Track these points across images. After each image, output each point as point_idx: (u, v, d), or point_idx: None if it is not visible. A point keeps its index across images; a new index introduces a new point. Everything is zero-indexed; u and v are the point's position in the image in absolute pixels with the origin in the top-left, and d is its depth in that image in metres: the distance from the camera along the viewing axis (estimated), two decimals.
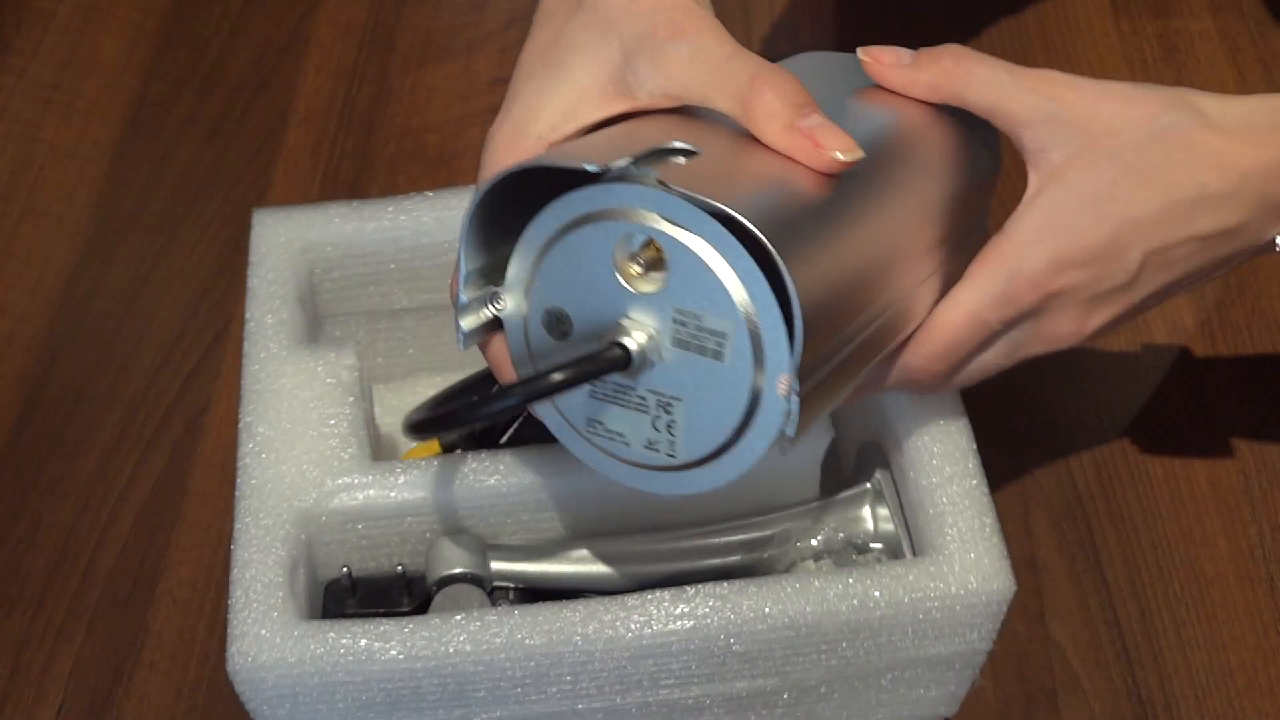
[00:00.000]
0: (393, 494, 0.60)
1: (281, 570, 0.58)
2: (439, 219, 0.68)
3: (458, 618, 0.56)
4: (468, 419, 0.51)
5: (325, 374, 0.63)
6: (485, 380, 0.64)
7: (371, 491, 0.60)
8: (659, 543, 0.62)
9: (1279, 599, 0.68)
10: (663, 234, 0.46)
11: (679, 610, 0.56)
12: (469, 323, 0.52)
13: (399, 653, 0.55)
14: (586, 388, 0.50)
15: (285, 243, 0.67)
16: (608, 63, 0.51)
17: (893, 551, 0.62)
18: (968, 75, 0.54)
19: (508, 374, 0.53)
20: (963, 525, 0.58)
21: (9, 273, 0.81)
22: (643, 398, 0.49)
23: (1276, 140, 0.54)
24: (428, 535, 0.62)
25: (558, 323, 0.50)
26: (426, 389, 0.73)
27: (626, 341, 0.48)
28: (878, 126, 0.54)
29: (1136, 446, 0.74)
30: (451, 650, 0.55)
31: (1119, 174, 0.52)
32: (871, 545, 0.62)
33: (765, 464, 0.49)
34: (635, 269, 0.48)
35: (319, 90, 0.90)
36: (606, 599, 0.56)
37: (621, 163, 0.46)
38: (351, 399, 0.62)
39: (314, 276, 0.69)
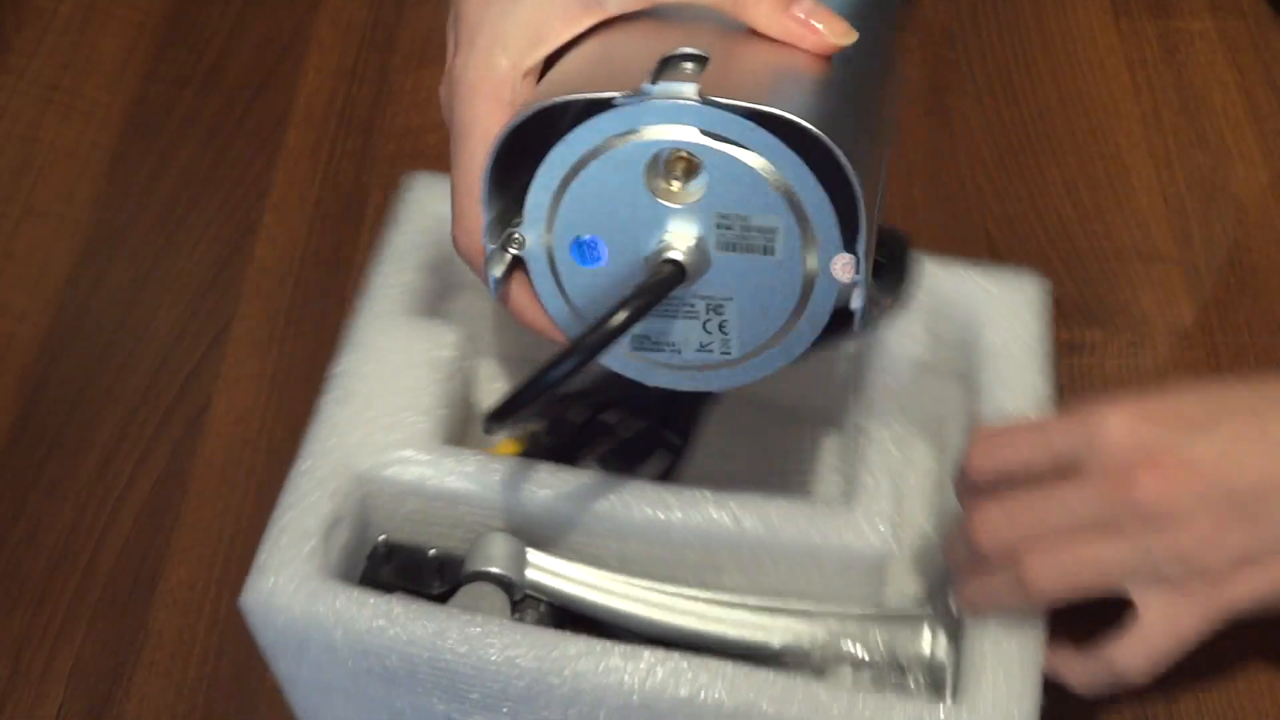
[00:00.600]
0: (447, 479, 0.60)
1: (320, 523, 0.58)
2: None
3: (463, 617, 0.56)
4: (541, 387, 0.49)
5: (427, 346, 0.63)
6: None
7: (427, 471, 0.60)
8: (700, 601, 0.61)
9: None
10: (702, 146, 0.46)
11: (680, 677, 0.54)
12: (498, 270, 0.51)
13: (397, 635, 0.55)
14: None
15: (432, 210, 0.67)
16: None
17: (936, 686, 0.58)
18: None
19: (533, 315, 0.52)
20: (1001, 675, 0.55)
21: (9, 273, 0.81)
22: (691, 304, 0.50)
23: None
24: (479, 527, 0.61)
25: (588, 248, 0.49)
26: (509, 373, 0.72)
27: (674, 256, 0.48)
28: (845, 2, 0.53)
29: None
30: (446, 647, 0.55)
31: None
32: (914, 671, 0.59)
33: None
34: (671, 183, 0.47)
35: (319, 90, 0.90)
36: (610, 644, 0.55)
37: (651, 83, 0.46)
38: (441, 376, 0.62)
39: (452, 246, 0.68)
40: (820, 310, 0.49)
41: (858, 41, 0.49)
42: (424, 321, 0.64)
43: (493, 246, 0.50)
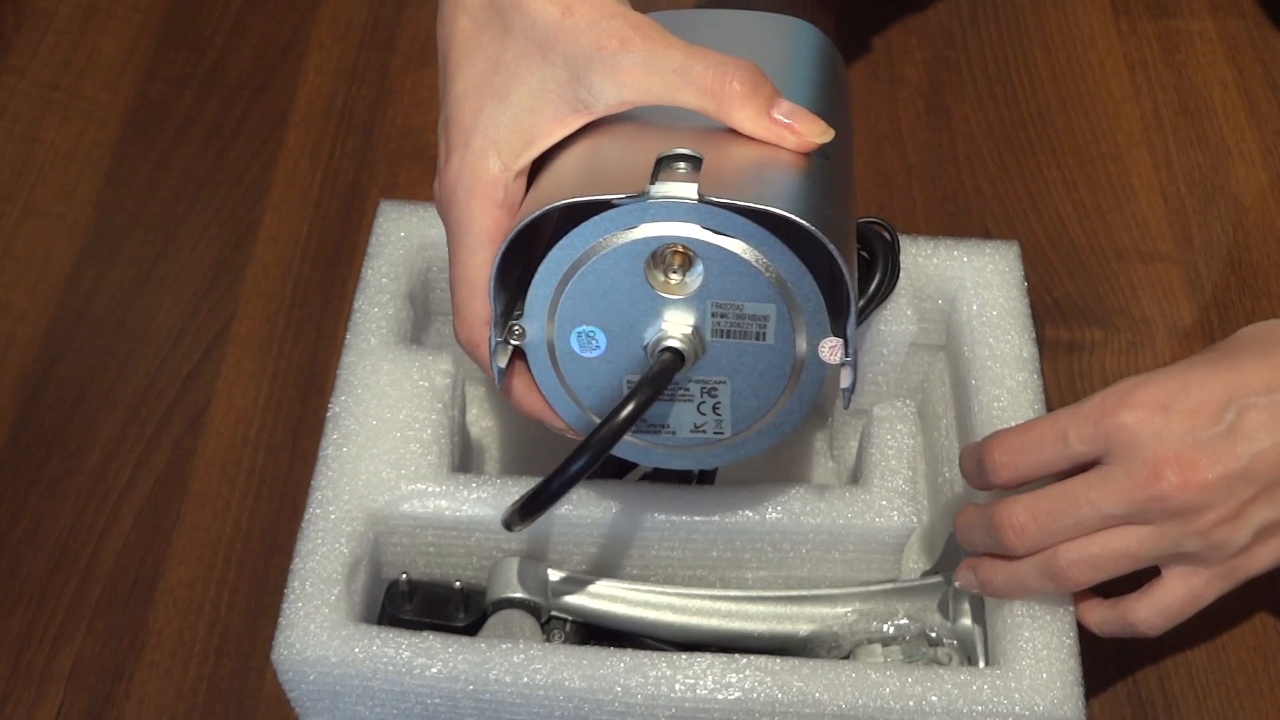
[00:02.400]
0: (464, 507, 0.60)
1: (341, 567, 0.58)
2: None
3: (504, 646, 0.55)
4: (559, 487, 0.51)
5: (419, 376, 0.63)
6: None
7: (443, 502, 0.60)
8: (725, 600, 0.61)
9: (1279, 599, 0.68)
10: (701, 242, 0.49)
11: (728, 679, 0.55)
12: (503, 361, 0.53)
13: (440, 671, 0.55)
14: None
15: (405, 237, 0.67)
16: (556, 82, 0.51)
17: (966, 651, 0.59)
18: None
19: (532, 403, 0.55)
20: (1040, 641, 0.56)
21: (9, 273, 0.81)
22: (686, 388, 0.53)
23: None
24: (495, 553, 0.61)
25: (588, 339, 0.52)
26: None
27: (673, 344, 0.51)
28: (811, 94, 0.56)
29: None
30: (491, 678, 0.55)
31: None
32: (945, 640, 0.60)
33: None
34: (669, 276, 0.50)
35: (319, 90, 0.90)
36: (655, 654, 0.55)
37: (651, 184, 0.49)
38: (441, 405, 0.62)
39: (429, 274, 0.69)
40: (809, 390, 0.52)
41: (835, 135, 0.52)
42: (412, 351, 0.64)
43: (498, 340, 0.53)
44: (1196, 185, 0.85)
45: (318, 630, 0.56)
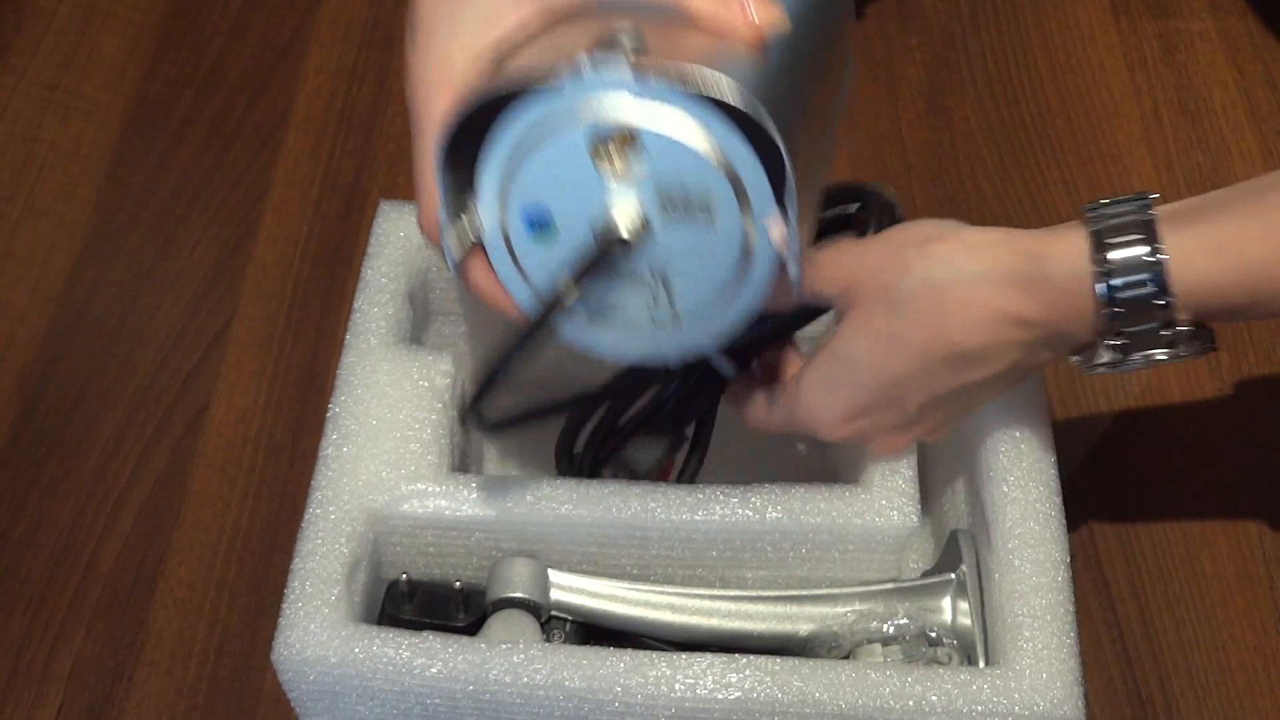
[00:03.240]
0: (464, 508, 0.60)
1: (341, 567, 0.57)
2: None
3: (503, 646, 0.55)
4: (507, 360, 0.52)
5: (419, 376, 0.63)
6: (579, 400, 0.64)
7: (443, 502, 0.60)
8: (725, 600, 0.61)
9: (1279, 598, 0.68)
10: (639, 119, 0.48)
11: (728, 679, 0.54)
12: (456, 246, 0.53)
13: (440, 671, 0.55)
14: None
15: (404, 238, 0.67)
16: None
17: (966, 651, 0.59)
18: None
19: (492, 292, 0.55)
20: (1040, 641, 0.55)
21: (9, 273, 0.81)
22: (639, 274, 0.52)
23: (1015, 290, 0.53)
24: (494, 552, 0.61)
25: (540, 226, 0.52)
26: (516, 401, 0.73)
27: (619, 227, 0.50)
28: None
29: (1135, 446, 0.73)
30: (491, 678, 0.54)
31: (876, 340, 0.55)
32: (945, 640, 0.60)
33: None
34: (611, 156, 0.49)
35: (319, 90, 0.90)
36: (655, 654, 0.55)
37: (586, 63, 0.48)
38: (440, 405, 0.62)
39: (429, 274, 0.69)
40: (761, 275, 0.51)
41: (798, 30, 0.52)
42: (411, 351, 0.64)
43: (448, 223, 0.53)
44: (1196, 185, 0.85)
45: (318, 630, 0.55)
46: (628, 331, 0.54)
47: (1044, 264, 0.52)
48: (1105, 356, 0.53)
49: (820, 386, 0.58)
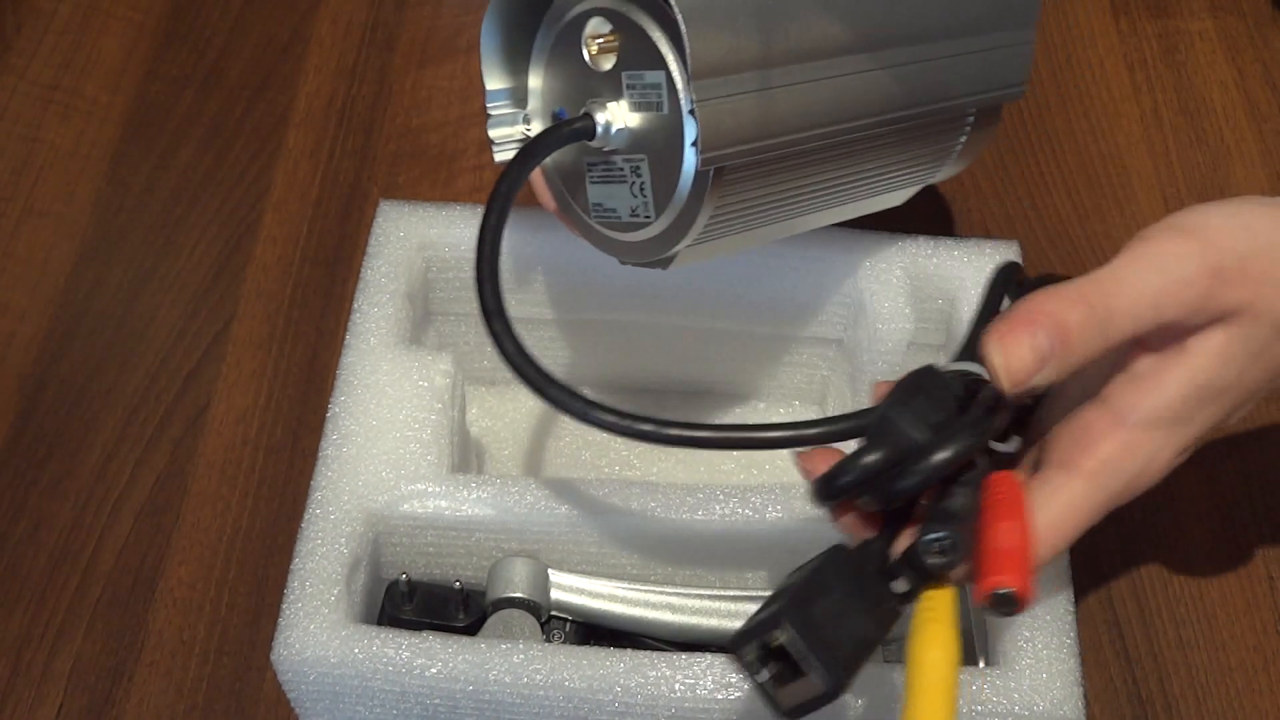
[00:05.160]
0: (464, 508, 0.60)
1: (341, 567, 0.57)
2: (557, 236, 0.66)
3: (504, 646, 0.55)
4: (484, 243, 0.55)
5: (419, 376, 0.63)
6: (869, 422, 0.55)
7: (443, 502, 0.60)
8: (725, 600, 0.61)
9: (1279, 599, 0.68)
10: (608, 8, 0.54)
11: (728, 679, 0.54)
12: (498, 134, 0.60)
13: (440, 671, 0.55)
14: (588, 175, 0.58)
15: (404, 237, 0.67)
16: None
17: (966, 651, 0.59)
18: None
19: (544, 193, 0.61)
20: (1040, 641, 0.55)
21: (9, 273, 0.81)
22: (620, 167, 0.57)
23: None
24: (494, 552, 0.61)
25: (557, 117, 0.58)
26: (527, 397, 0.73)
27: (594, 113, 0.55)
28: None
29: None
30: (491, 678, 0.54)
31: (1246, 366, 0.48)
32: None
33: None
34: (596, 50, 0.55)
35: (319, 90, 0.90)
36: (655, 654, 0.55)
37: None
38: (440, 405, 0.62)
39: (429, 274, 0.69)
40: (688, 138, 0.54)
41: None
42: (412, 351, 0.64)
43: (495, 113, 0.60)
44: (1196, 185, 0.85)
45: (317, 630, 0.56)
46: (621, 227, 0.58)
47: None
48: None
49: (1165, 426, 0.49)
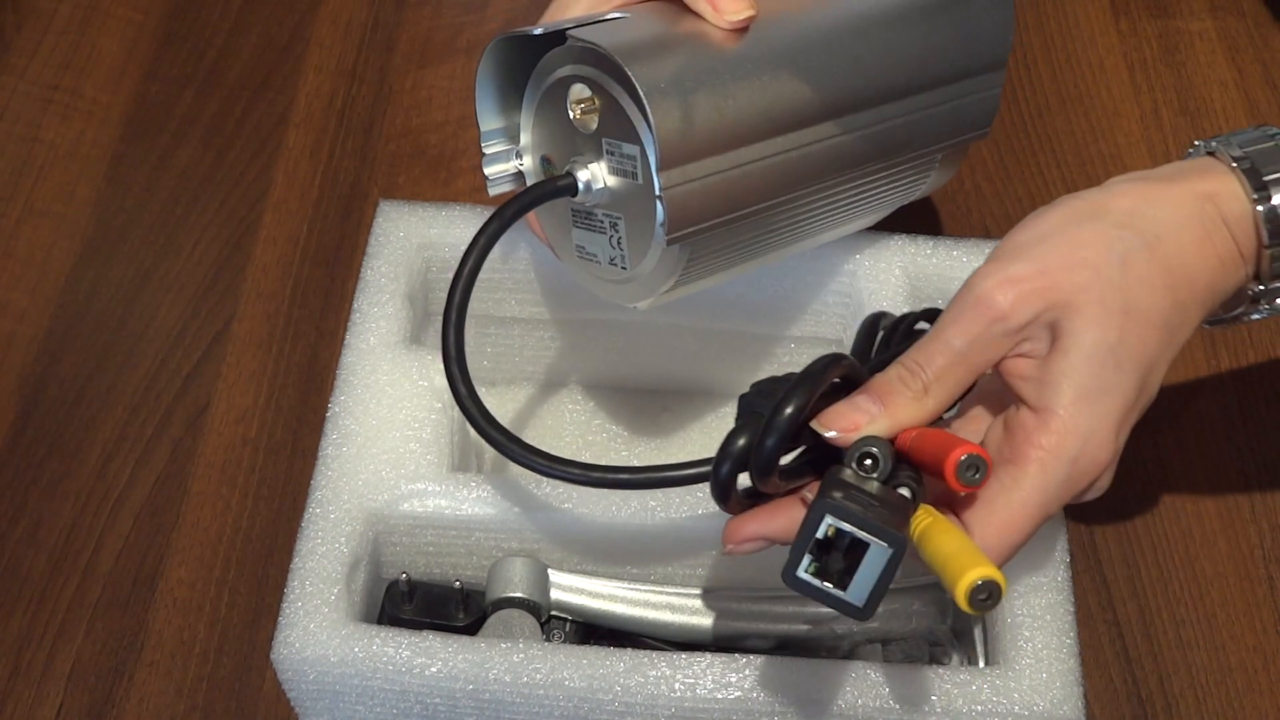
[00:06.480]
0: (464, 507, 0.60)
1: (341, 567, 0.57)
2: None
3: (504, 646, 0.55)
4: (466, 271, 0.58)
5: (419, 376, 0.63)
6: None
7: (443, 502, 0.60)
8: (724, 600, 0.61)
9: (1279, 599, 0.68)
10: (589, 78, 0.56)
11: (728, 679, 0.55)
12: (492, 171, 0.62)
13: (440, 671, 0.55)
14: (572, 220, 0.61)
15: (404, 238, 0.67)
16: None
17: (966, 651, 0.59)
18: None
19: (538, 228, 0.64)
20: (1040, 641, 0.56)
21: (9, 272, 0.81)
22: (600, 220, 0.59)
23: (1218, 232, 0.52)
24: (494, 552, 0.61)
25: (549, 168, 0.61)
26: (528, 397, 0.74)
27: (576, 171, 0.58)
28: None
29: (1135, 446, 0.73)
30: (491, 678, 0.54)
31: (1122, 322, 0.51)
32: (945, 640, 0.60)
33: None
34: (580, 113, 0.57)
35: (319, 90, 0.90)
36: (655, 654, 0.55)
37: (555, 25, 0.57)
38: (440, 405, 0.62)
39: (429, 274, 0.69)
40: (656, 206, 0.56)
41: (789, 29, 0.57)
42: (412, 351, 0.64)
43: (490, 152, 0.62)
44: None
45: (317, 630, 0.56)
46: (598, 270, 0.61)
47: (1217, 204, 0.50)
48: (1257, 309, 0.51)
49: (1088, 399, 0.50)
